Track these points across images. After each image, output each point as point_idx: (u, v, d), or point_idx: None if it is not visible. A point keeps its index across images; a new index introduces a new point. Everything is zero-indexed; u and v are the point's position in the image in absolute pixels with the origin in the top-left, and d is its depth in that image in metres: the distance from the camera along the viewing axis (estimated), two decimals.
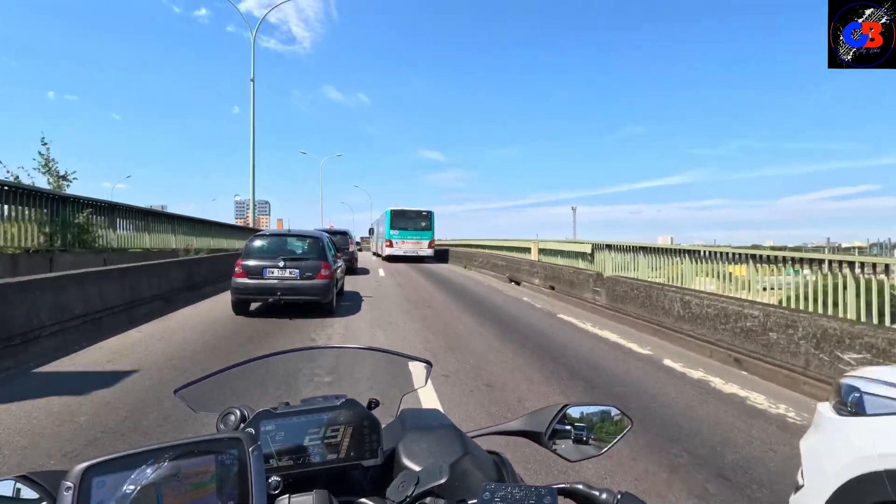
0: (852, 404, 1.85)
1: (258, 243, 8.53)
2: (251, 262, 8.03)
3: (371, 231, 36.98)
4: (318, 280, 7.98)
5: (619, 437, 0.97)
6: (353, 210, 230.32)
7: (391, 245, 24.72)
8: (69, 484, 0.59)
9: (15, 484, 0.72)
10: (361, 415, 0.88)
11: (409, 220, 25.16)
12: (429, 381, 1.11)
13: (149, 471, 0.61)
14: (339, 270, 9.59)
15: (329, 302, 8.25)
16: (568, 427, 0.97)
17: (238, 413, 0.93)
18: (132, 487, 0.60)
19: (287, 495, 0.75)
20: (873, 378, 1.86)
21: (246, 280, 7.95)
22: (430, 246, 25.29)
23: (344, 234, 19.97)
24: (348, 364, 1.19)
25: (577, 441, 0.95)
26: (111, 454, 0.62)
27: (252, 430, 0.80)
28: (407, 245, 24.73)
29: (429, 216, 25.52)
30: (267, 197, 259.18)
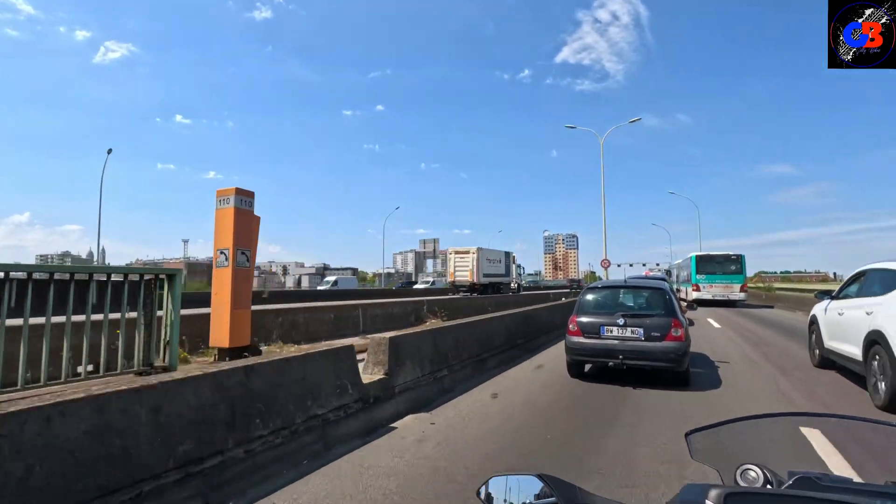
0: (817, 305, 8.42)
1: (591, 297, 7.77)
2: (586, 319, 7.23)
3: (668, 273, 38.33)
4: (668, 342, 6.65)
5: None
6: (671, 239, 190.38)
7: (698, 289, 26.04)
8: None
9: (535, 479, 0.91)
10: None
11: (717, 265, 26.29)
12: None
13: None
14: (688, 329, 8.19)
15: (684, 371, 6.79)
16: None
17: (759, 472, 0.93)
18: None
19: None
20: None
21: (581, 339, 7.13)
22: (742, 290, 25.75)
23: (662, 280, 18.07)
24: (856, 442, 1.03)
25: None
26: (753, 489, 0.76)
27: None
28: (715, 289, 25.67)
29: (739, 259, 26.25)
30: (575, 231, 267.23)
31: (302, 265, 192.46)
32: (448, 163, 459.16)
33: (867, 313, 6.13)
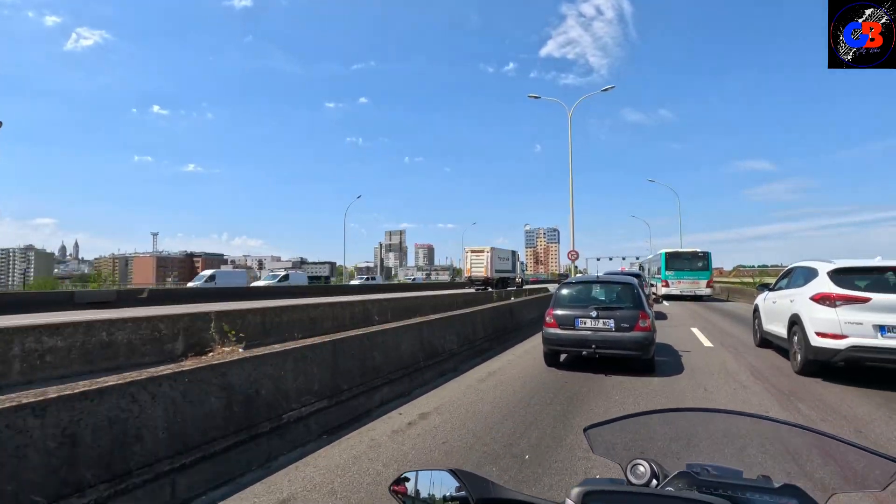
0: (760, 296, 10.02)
1: (566, 291, 8.21)
2: (561, 312, 7.68)
3: (641, 268, 39.43)
4: (635, 332, 7.17)
5: None
6: (651, 232, 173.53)
7: (667, 285, 26.98)
8: (570, 502, 0.74)
9: (447, 475, 0.91)
10: None
11: (685, 261, 27.22)
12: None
13: None
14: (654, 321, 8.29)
15: (650, 359, 7.33)
16: None
17: (647, 466, 0.94)
18: None
19: None
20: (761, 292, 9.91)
21: (557, 330, 7.58)
22: (708, 285, 26.82)
23: (637, 276, 17.92)
24: (751, 437, 1.04)
25: None
26: (610, 486, 0.76)
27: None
28: (683, 285, 26.58)
29: (706, 256, 27.33)
30: (556, 225, 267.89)
31: (278, 259, 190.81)
32: (432, 156, 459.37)
33: (791, 301, 7.78)
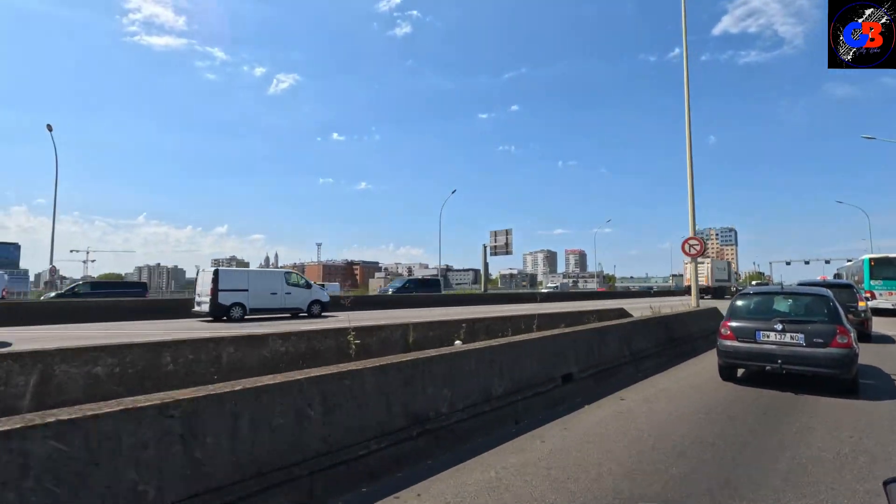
0: None
1: (743, 302, 7.84)
2: (739, 324, 7.36)
3: (836, 276, 36.40)
4: (832, 349, 6.63)
5: None
6: (871, 228, 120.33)
7: (873, 297, 23.84)
8: None
9: None
10: None
11: None
12: None
13: None
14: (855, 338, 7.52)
15: (851, 378, 6.77)
16: None
17: None
18: None
19: None
20: None
21: (735, 343, 7.27)
22: None
23: (848, 287, 15.71)
24: None
25: None
26: None
27: None
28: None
29: None
30: (733, 224, 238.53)
31: (426, 266, 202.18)
32: (587, 159, 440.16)
33: None
